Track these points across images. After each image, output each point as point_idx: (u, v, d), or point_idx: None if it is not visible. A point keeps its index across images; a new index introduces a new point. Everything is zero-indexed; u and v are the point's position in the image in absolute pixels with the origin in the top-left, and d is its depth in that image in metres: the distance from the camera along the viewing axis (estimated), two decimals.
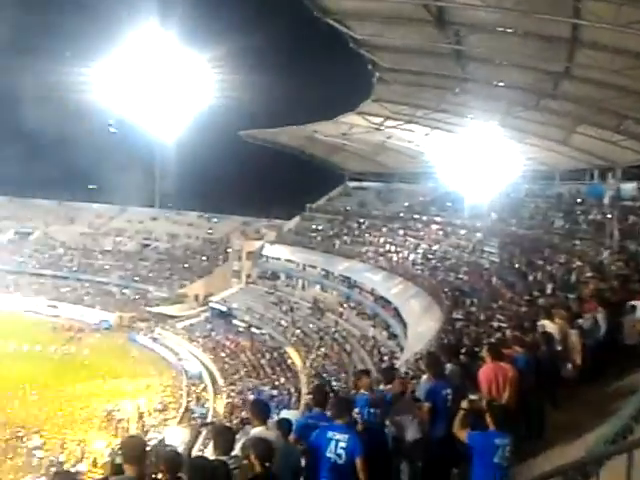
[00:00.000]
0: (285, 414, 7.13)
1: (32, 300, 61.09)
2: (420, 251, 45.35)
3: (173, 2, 54.43)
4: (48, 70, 59.73)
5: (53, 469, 25.05)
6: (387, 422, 6.93)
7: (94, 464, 27.18)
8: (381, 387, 7.80)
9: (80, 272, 65.90)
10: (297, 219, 62.30)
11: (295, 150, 60.08)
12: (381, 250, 49.27)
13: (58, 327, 54.13)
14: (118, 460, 4.81)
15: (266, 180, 64.62)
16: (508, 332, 11.14)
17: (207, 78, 55.57)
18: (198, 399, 39.18)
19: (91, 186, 77.00)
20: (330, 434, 5.75)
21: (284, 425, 6.11)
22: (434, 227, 47.83)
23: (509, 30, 21.58)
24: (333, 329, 44.73)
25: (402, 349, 33.80)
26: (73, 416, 34.81)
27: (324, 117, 47.06)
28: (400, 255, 46.68)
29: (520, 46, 22.52)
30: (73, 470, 21.68)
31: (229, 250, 62.39)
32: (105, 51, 55.59)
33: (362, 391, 7.33)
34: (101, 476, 7.67)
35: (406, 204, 54.11)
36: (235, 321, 52.07)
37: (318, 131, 51.09)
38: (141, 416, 35.34)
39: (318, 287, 53.03)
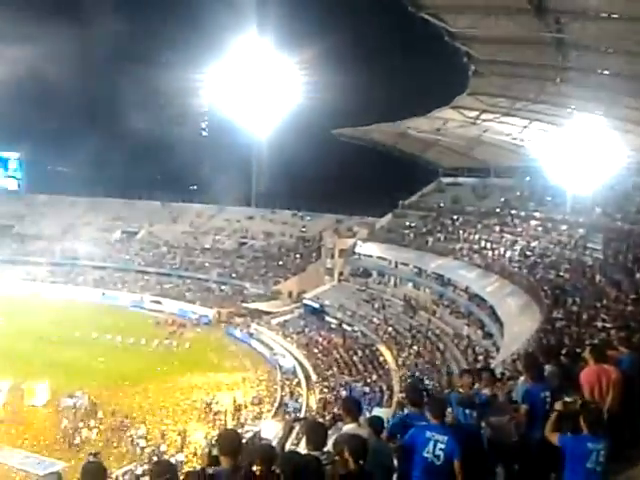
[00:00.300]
0: (377, 412, 7.09)
1: (137, 296, 64.32)
2: (517, 248, 43.80)
3: (269, 9, 55.87)
4: (151, 77, 63.04)
5: (154, 458, 25.99)
6: (483, 424, 6.76)
7: (194, 454, 28.13)
8: (476, 386, 7.62)
9: (182, 269, 68.48)
10: (389, 216, 61.92)
11: (388, 147, 59.86)
12: (476, 247, 48.06)
13: (161, 322, 56.45)
14: (215, 452, 4.96)
15: (359, 178, 64.74)
16: (613, 332, 10.56)
17: (300, 79, 56.57)
18: (292, 394, 39.75)
19: (192, 187, 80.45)
20: (429, 434, 5.63)
21: (376, 422, 6.06)
22: (533, 223, 46.09)
23: (614, 15, 20.46)
24: (426, 327, 44.17)
25: (498, 349, 32.89)
26: (174, 407, 36.05)
27: (418, 113, 46.49)
28: (496, 252, 45.32)
29: (626, 32, 21.28)
30: (172, 460, 22.46)
31: (322, 248, 62.99)
32: (205, 58, 58.04)
33: (460, 390, 7.18)
34: (198, 467, 7.91)
35: (502, 199, 52.52)
36: (328, 318, 52.45)
37: (411, 127, 50.60)
38: (238, 409, 36.27)
39: (410, 285, 52.47)
